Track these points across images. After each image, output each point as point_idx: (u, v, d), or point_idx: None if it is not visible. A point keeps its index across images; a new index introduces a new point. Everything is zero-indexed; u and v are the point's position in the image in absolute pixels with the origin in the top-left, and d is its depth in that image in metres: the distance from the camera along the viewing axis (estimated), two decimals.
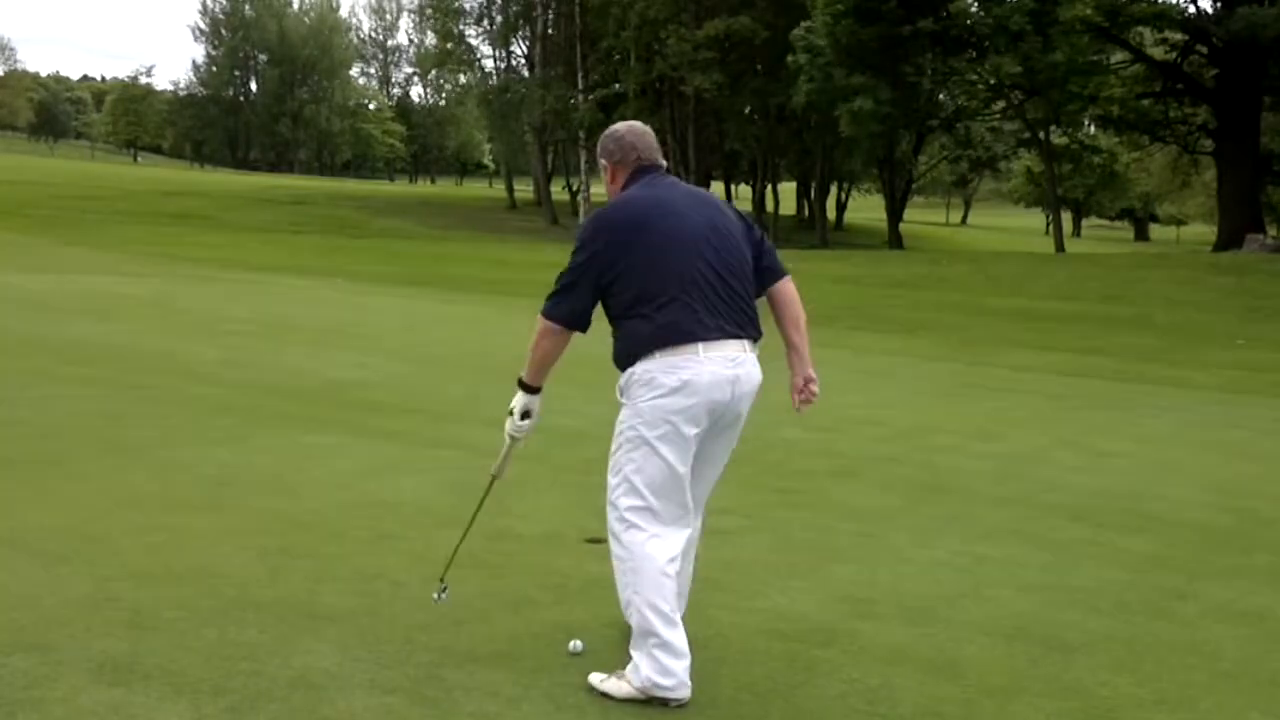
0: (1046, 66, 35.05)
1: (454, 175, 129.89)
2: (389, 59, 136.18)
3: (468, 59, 67.03)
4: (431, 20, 70.28)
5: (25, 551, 5.13)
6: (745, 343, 3.98)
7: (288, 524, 5.76)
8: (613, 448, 4.04)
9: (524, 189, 70.58)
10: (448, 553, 5.40)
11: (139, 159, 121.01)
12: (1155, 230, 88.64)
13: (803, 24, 40.19)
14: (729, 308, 3.94)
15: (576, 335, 4.10)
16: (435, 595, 4.53)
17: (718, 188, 73.68)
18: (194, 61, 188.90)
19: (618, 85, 54.71)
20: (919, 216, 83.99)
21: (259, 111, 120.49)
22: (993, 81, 38.72)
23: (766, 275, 4.18)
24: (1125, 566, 5.70)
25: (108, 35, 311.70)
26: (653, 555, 3.89)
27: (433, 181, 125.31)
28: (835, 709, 3.87)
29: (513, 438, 4.34)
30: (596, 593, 4.92)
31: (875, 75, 38.64)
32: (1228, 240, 35.83)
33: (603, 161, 4.18)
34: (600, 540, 5.71)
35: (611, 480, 4.01)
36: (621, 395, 4.05)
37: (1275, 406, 12.30)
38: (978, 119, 48.28)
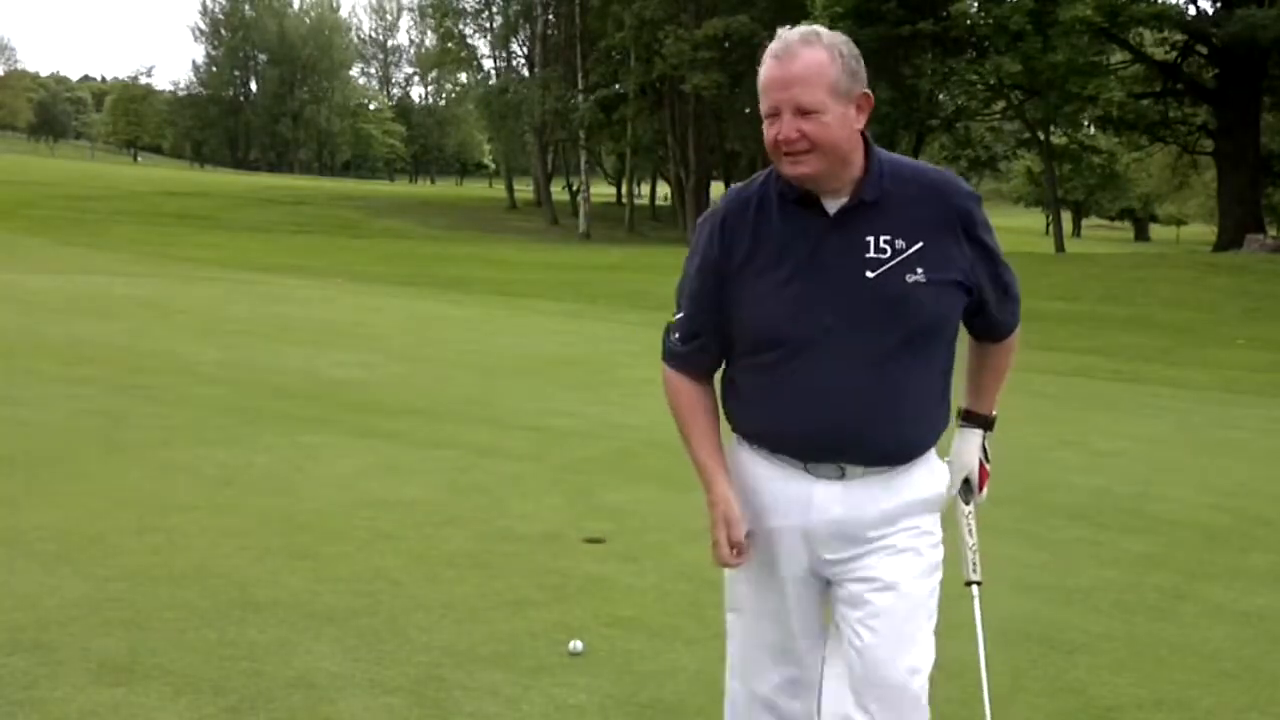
0: (1047, 67, 35.04)
1: (454, 175, 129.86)
2: (389, 59, 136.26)
3: (468, 59, 67.06)
4: (431, 20, 70.30)
5: (25, 551, 5.13)
6: None
7: (288, 524, 5.76)
8: (928, 584, 2.60)
9: (524, 189, 70.53)
10: (447, 551, 5.41)
11: (139, 159, 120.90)
12: (1155, 230, 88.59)
13: (803, 23, 40.24)
14: None
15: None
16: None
17: (718, 188, 73.83)
18: (194, 62, 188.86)
19: (618, 85, 54.69)
20: None
21: (259, 112, 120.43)
22: (993, 82, 38.69)
23: None
24: (1125, 566, 5.70)
25: (108, 35, 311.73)
26: None
27: (433, 182, 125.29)
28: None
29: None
30: (596, 592, 4.92)
31: (874, 75, 38.59)
32: (1228, 240, 35.80)
33: (854, 91, 2.45)
34: (599, 540, 5.72)
35: (927, 622, 2.60)
36: (943, 491, 2.74)
37: (1275, 406, 12.29)
38: (978, 119, 48.26)
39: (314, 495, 6.39)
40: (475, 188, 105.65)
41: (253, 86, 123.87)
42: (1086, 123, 43.42)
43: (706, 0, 50.16)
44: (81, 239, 32.32)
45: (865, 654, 2.50)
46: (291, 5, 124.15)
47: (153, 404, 8.97)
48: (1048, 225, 67.02)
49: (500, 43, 64.46)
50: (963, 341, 2.68)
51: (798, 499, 2.52)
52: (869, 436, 2.48)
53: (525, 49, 64.49)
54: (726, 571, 2.65)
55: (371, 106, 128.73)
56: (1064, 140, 44.39)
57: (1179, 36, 39.58)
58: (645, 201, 70.99)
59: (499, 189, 79.22)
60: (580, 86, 55.35)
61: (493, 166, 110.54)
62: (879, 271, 2.44)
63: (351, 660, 4.07)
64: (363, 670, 3.99)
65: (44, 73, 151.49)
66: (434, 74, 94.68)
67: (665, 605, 4.81)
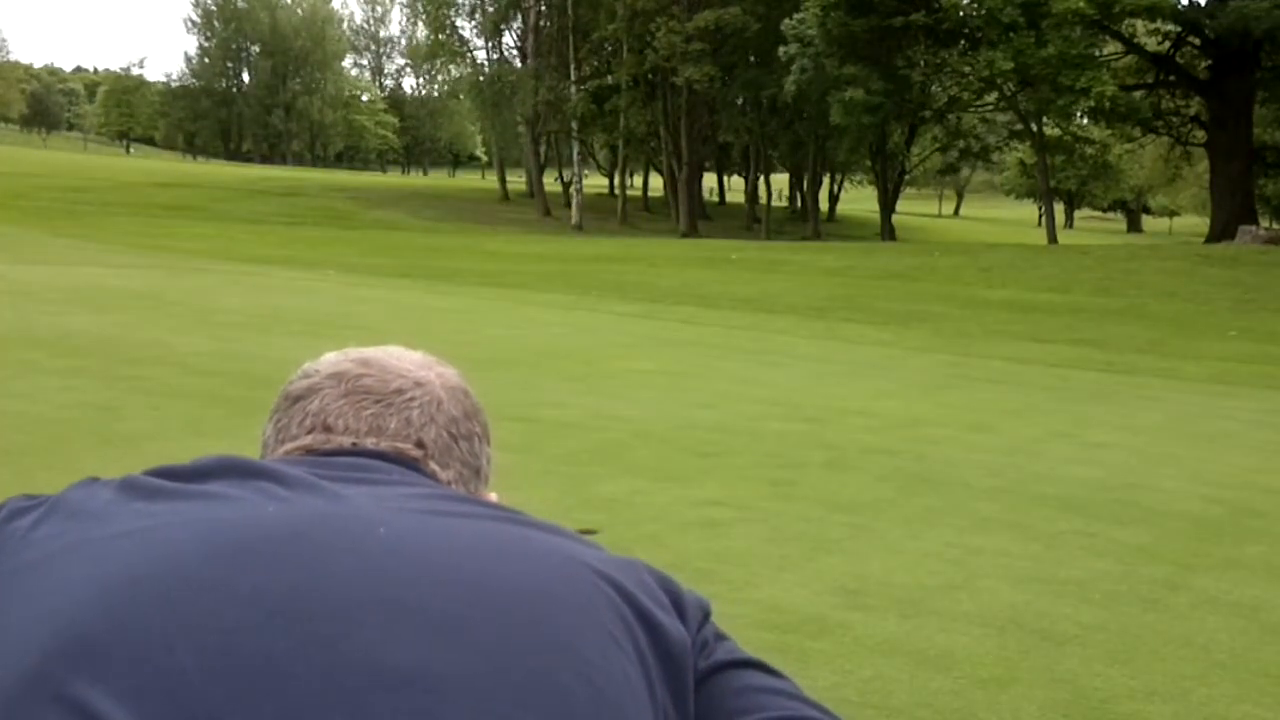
0: (1039, 62, 35.06)
1: (446, 167, 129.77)
2: (381, 50, 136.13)
3: (460, 50, 67.02)
4: (424, 13, 70.27)
5: None
6: None
7: None
8: None
9: (517, 180, 70.54)
10: None
11: (131, 150, 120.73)
12: (1148, 222, 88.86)
13: (795, 15, 40.25)
14: None
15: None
16: None
17: (710, 180, 73.80)
18: (186, 53, 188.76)
19: (610, 77, 54.71)
20: (911, 208, 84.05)
21: (251, 103, 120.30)
22: (985, 74, 38.73)
23: None
24: (1117, 558, 5.70)
25: (101, 27, 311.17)
26: None
27: (425, 173, 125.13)
28: (828, 700, 3.84)
29: None
30: None
31: (867, 66, 38.72)
32: (1220, 232, 35.90)
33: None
34: (592, 532, 5.72)
35: None
36: None
37: (1267, 398, 12.30)
38: (970, 110, 48.31)
39: None
40: (468, 179, 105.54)
41: (245, 78, 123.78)
42: (1079, 114, 43.53)
43: None
44: (74, 230, 32.25)
45: None
46: None
47: (145, 395, 8.94)
48: (1040, 217, 67.23)
49: (492, 33, 64.44)
50: None
51: None
52: None
53: (517, 39, 64.48)
54: None
55: (364, 98, 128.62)
56: (1056, 132, 44.46)
57: (1172, 27, 39.65)
58: (638, 193, 71.05)
59: (491, 180, 79.22)
60: (572, 78, 55.34)
61: (485, 158, 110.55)
62: None
63: None
64: None
65: (37, 64, 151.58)
66: (426, 65, 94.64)
67: None
